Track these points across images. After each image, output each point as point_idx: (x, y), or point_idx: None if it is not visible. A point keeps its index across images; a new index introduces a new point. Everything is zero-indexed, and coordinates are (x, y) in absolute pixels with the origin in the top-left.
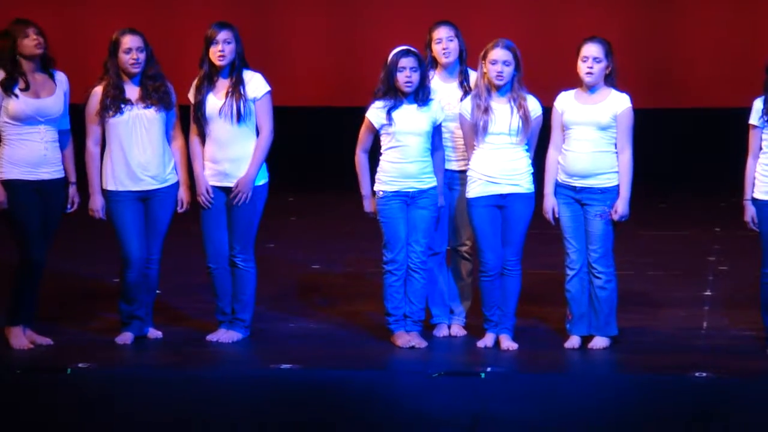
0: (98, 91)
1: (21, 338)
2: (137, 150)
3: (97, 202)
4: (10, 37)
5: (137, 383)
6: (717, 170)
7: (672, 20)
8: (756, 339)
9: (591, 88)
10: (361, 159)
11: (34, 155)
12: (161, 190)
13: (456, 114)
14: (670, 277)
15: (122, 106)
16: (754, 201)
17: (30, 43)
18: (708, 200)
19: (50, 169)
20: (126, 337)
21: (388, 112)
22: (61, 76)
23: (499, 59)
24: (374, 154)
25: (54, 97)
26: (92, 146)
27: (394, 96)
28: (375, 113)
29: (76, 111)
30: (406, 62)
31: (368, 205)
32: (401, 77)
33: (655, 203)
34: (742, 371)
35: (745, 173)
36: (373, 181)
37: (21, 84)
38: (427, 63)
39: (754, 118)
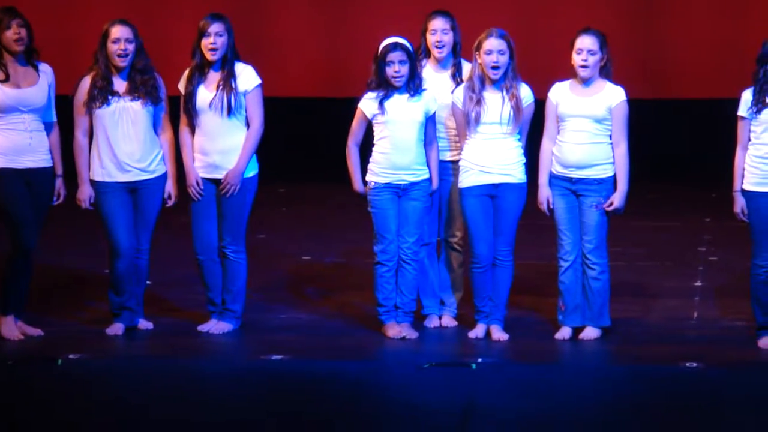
0: (86, 81)
1: (12, 328)
2: (123, 141)
3: (84, 192)
4: None
5: (128, 374)
6: (707, 161)
7: (662, 11)
8: (746, 329)
9: (586, 81)
10: (352, 151)
11: (19, 144)
12: (149, 181)
13: (447, 104)
14: (661, 267)
15: (109, 97)
16: (744, 192)
17: (11, 36)
18: (698, 191)
19: (35, 158)
20: (116, 328)
21: (380, 102)
22: (45, 68)
23: (494, 49)
24: (367, 146)
25: (36, 88)
26: (80, 137)
27: (386, 87)
28: (367, 103)
29: (64, 102)
30: (394, 56)
31: (360, 190)
32: (390, 71)
33: (644, 194)
34: (733, 361)
35: (734, 164)
36: (365, 172)
37: (0, 75)
38: (420, 51)
39: (742, 110)
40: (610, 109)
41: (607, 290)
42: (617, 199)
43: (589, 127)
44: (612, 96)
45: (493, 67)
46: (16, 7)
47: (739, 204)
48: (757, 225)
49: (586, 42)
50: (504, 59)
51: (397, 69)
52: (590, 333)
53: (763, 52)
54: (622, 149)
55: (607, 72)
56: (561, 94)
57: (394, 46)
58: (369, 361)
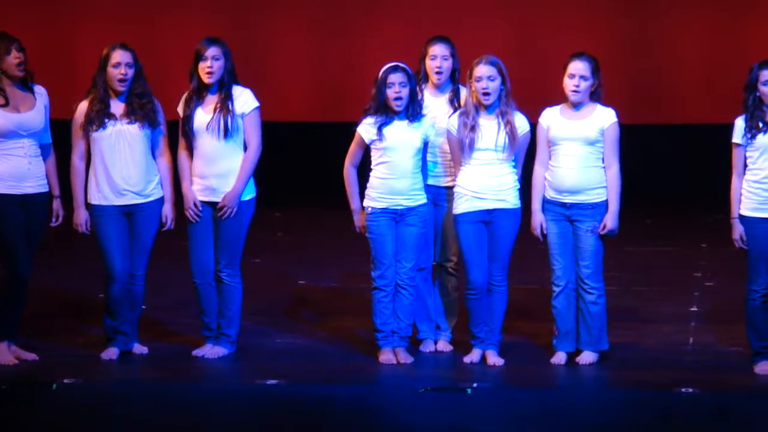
0: (84, 105)
1: (6, 354)
2: (120, 165)
3: (81, 216)
4: None
5: (123, 398)
6: (702, 186)
7: (656, 37)
8: (742, 355)
9: (576, 105)
10: (349, 173)
11: (18, 169)
12: (144, 205)
13: (444, 129)
14: (657, 293)
15: (106, 120)
16: (741, 218)
17: (12, 61)
18: (694, 216)
19: (34, 183)
20: (111, 353)
21: (379, 128)
22: (40, 89)
23: (483, 75)
24: (364, 169)
25: (34, 111)
26: (76, 160)
27: (385, 113)
28: (365, 129)
29: (59, 125)
30: (395, 78)
31: (357, 220)
32: (390, 93)
33: (641, 219)
34: (728, 387)
35: (731, 191)
36: (362, 197)
37: (0, 100)
38: (419, 76)
39: (737, 137)
40: (603, 131)
41: (604, 314)
42: (609, 220)
43: (581, 150)
44: (603, 118)
45: (484, 94)
46: (6, 31)
47: (738, 231)
48: (753, 250)
49: (578, 67)
50: (494, 85)
51: (397, 90)
52: (587, 357)
53: (750, 79)
54: (614, 170)
55: (597, 96)
56: (552, 118)
57: (395, 69)
58: (364, 386)
